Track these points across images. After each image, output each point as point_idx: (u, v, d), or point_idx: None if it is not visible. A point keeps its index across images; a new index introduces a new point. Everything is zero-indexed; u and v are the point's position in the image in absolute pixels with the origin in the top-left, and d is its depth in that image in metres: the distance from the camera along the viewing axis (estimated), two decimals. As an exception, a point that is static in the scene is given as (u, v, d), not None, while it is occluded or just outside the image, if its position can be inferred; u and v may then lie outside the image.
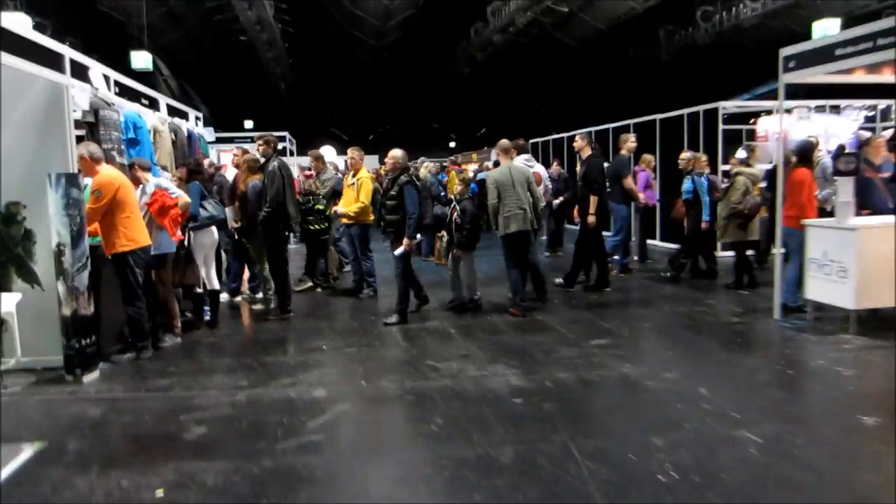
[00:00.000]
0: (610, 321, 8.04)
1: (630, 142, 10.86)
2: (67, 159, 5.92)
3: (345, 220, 9.34)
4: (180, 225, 7.03)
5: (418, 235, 7.76)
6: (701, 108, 12.53)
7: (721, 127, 12.01)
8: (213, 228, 7.67)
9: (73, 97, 6.32)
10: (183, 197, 7.01)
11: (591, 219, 9.39)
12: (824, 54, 7.04)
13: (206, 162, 9.66)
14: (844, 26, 23.51)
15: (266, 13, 27.24)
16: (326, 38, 35.43)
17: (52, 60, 6.07)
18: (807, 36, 29.57)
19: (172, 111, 9.57)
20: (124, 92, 8.05)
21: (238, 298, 9.23)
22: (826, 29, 21.23)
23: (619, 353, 6.58)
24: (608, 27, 29.99)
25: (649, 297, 9.35)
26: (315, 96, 38.93)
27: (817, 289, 7.32)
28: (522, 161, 9.12)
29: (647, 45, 31.75)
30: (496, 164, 10.13)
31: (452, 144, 41.36)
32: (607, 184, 10.14)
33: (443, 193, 13.79)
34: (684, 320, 7.92)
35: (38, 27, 26.10)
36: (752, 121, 13.87)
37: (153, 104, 8.86)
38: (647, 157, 11.78)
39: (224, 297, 8.91)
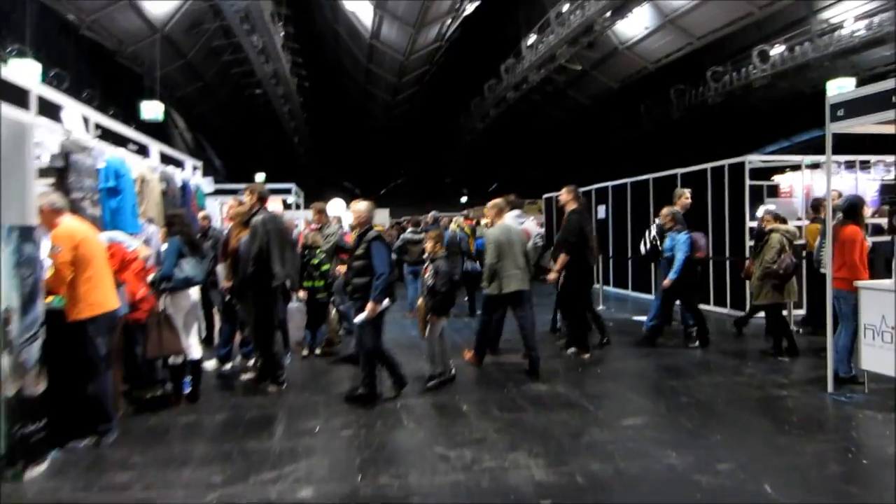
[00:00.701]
0: (642, 395, 7.02)
1: (685, 197, 9.71)
2: (24, 210, 5.00)
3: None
4: (150, 284, 6.10)
5: (386, 301, 6.43)
6: (726, 162, 11.57)
7: (748, 182, 11.01)
8: (193, 291, 6.68)
9: (42, 139, 5.43)
10: (143, 249, 6.13)
11: (552, 275, 8.61)
12: (878, 102, 6.09)
13: (200, 214, 8.76)
14: (859, 84, 22.95)
15: (283, 67, 26.85)
16: (342, 92, 35.16)
17: (17, 96, 5.22)
18: (815, 96, 29.21)
19: (166, 159, 8.74)
20: (109, 136, 7.20)
21: (228, 366, 8.06)
22: (842, 87, 20.55)
23: (659, 436, 5.53)
24: (620, 86, 29.53)
25: (680, 364, 8.26)
26: (329, 149, 38.51)
27: (875, 358, 6.29)
28: (513, 217, 8.78)
29: (658, 103, 31.23)
30: (416, 224, 10.31)
31: (464, 199, 40.66)
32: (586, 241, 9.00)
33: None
34: (726, 394, 6.84)
35: (56, 77, 25.95)
36: (771, 177, 12.94)
37: (142, 150, 8.03)
38: (669, 209, 10.74)
39: (212, 364, 7.89)
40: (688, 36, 24.86)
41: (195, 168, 10.26)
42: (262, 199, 7.09)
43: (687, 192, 9.95)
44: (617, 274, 15.83)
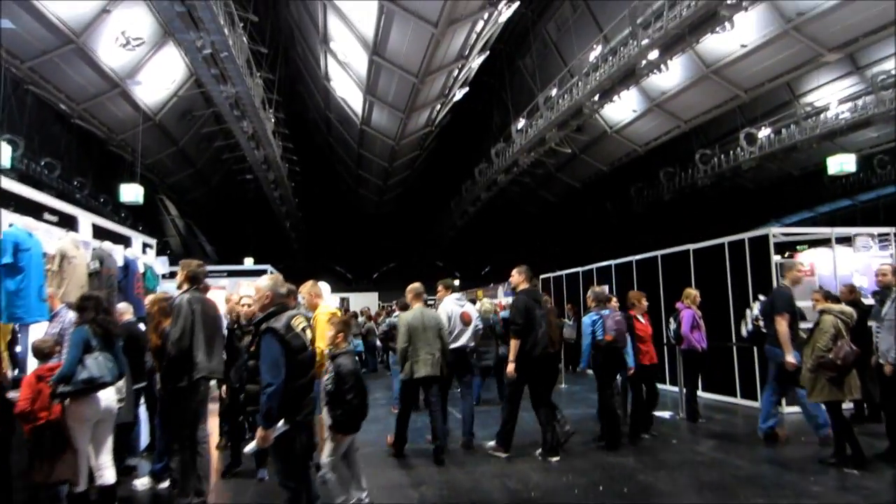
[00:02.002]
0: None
1: (796, 270, 7.97)
2: None
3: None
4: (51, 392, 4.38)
5: (281, 423, 4.32)
6: (746, 235, 10.02)
7: (774, 257, 9.39)
8: (105, 396, 4.94)
9: None
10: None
11: (510, 367, 7.35)
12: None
13: (148, 299, 7.04)
14: (859, 161, 21.97)
15: (273, 153, 25.69)
16: (334, 177, 34.09)
17: None
18: (805, 178, 28.35)
19: (103, 233, 7.12)
20: (20, 205, 5.58)
21: (165, 485, 6.16)
22: (843, 164, 19.53)
23: None
24: (610, 169, 28.53)
25: (724, 479, 6.44)
26: (320, 234, 37.12)
27: None
28: (454, 301, 8.22)
29: (649, 186, 30.21)
30: (404, 307, 8.95)
31: (457, 282, 39.06)
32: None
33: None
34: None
35: (47, 166, 24.70)
36: (787, 253, 11.44)
37: (68, 222, 6.41)
38: (692, 291, 9.13)
39: (143, 482, 6.04)
40: (675, 119, 24.10)
41: (147, 246, 8.63)
42: (193, 279, 5.44)
43: (799, 262, 8.19)
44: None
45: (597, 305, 8.24)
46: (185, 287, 5.41)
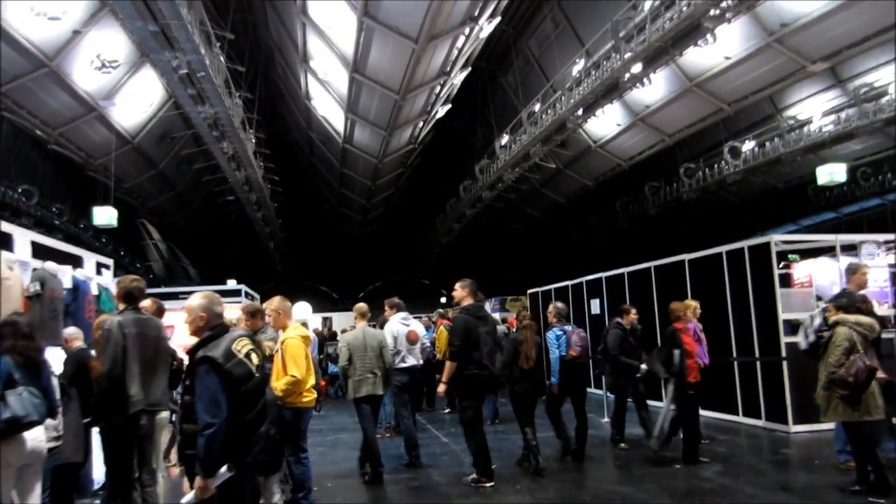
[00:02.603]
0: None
1: (861, 273, 7.26)
2: None
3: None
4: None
5: (223, 469, 3.58)
6: (746, 243, 9.43)
7: (776, 268, 8.78)
8: (28, 437, 4.20)
9: None
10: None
11: (441, 388, 7.28)
12: None
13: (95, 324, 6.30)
14: (850, 171, 21.58)
15: (255, 174, 25.00)
16: (317, 197, 33.42)
17: None
18: (789, 192, 28.02)
19: (47, 252, 6.39)
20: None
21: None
22: (832, 173, 19.12)
23: None
24: (595, 184, 28.06)
25: None
26: (305, 254, 36.35)
27: None
28: (399, 320, 7.99)
29: (634, 200, 29.77)
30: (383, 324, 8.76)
31: (443, 300, 38.30)
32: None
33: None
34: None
35: (25, 193, 23.83)
36: (781, 264, 10.86)
37: (2, 240, 5.65)
38: (691, 303, 8.47)
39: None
40: (659, 133, 23.76)
41: (103, 267, 7.89)
42: (127, 297, 4.74)
43: (865, 267, 7.48)
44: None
45: (559, 321, 8.06)
46: (122, 307, 4.70)
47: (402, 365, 7.74)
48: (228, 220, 31.28)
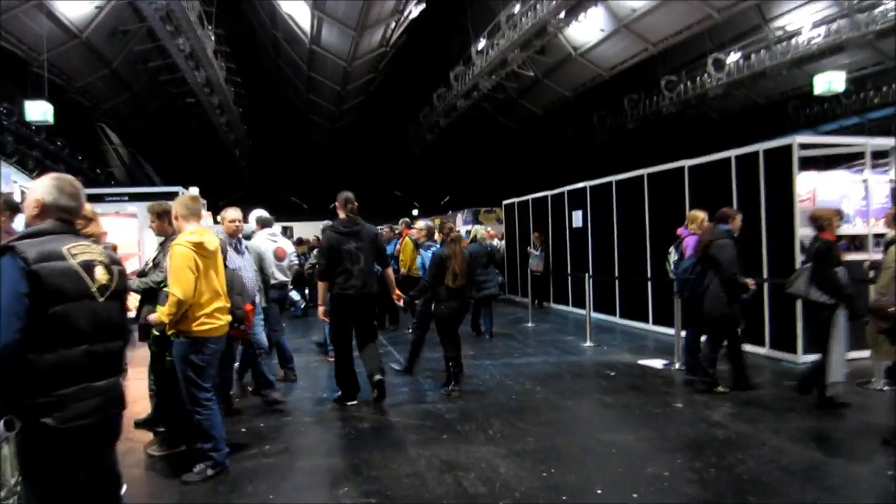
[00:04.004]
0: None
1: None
2: None
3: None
4: None
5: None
6: (762, 147, 7.84)
7: (797, 173, 7.25)
8: None
9: None
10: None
11: (320, 311, 6.46)
12: None
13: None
14: (848, 80, 20.01)
15: (216, 74, 22.68)
16: (284, 103, 31.02)
17: None
18: (769, 108, 26.55)
19: None
20: None
21: None
22: (831, 82, 17.57)
23: None
24: (573, 95, 26.17)
25: (759, 469, 4.52)
26: (272, 163, 34.21)
27: None
28: (266, 236, 7.19)
29: (612, 113, 28.01)
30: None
31: (416, 212, 36.72)
32: None
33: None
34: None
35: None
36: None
37: None
38: (698, 214, 6.99)
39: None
40: (643, 42, 21.87)
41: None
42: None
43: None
44: (601, 298, 11.34)
45: (428, 240, 7.77)
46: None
47: (272, 281, 7.00)
48: (191, 126, 28.86)
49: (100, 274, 2.52)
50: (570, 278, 12.82)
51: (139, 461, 4.86)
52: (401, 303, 6.73)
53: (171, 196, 11.59)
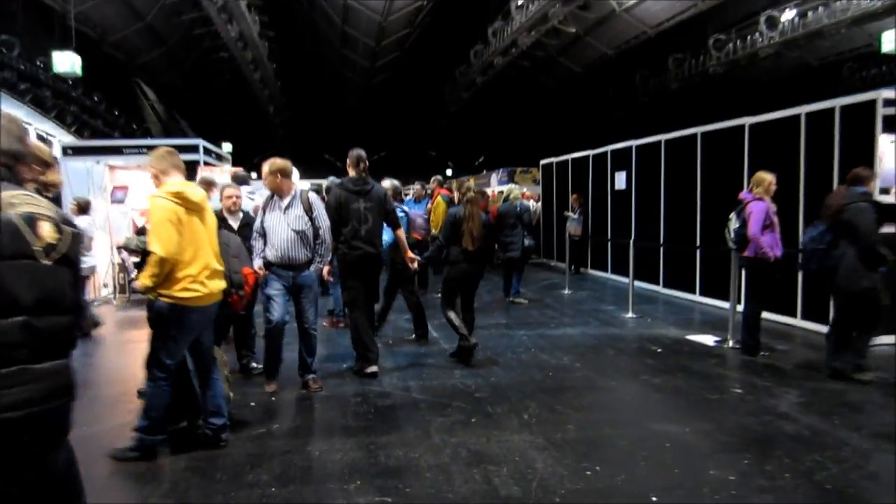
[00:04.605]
0: None
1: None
2: None
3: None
4: None
5: None
6: (837, 102, 6.84)
7: (880, 132, 6.29)
8: None
9: None
10: None
11: (325, 269, 5.56)
12: None
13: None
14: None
15: (249, 28, 21.97)
16: (318, 59, 30.14)
17: None
18: (822, 70, 24.91)
19: None
20: None
21: None
22: (900, 38, 16.15)
23: None
24: (615, 53, 24.82)
25: (835, 475, 3.81)
26: (307, 120, 33.51)
27: None
28: (245, 194, 6.83)
29: (655, 74, 26.58)
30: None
31: (449, 172, 35.84)
32: None
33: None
34: None
35: (4, 44, 21.01)
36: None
37: None
38: (765, 176, 6.10)
39: None
40: (693, -4, 20.30)
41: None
42: None
43: None
44: (644, 265, 9.95)
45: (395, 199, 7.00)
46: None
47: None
48: (225, 82, 28.30)
49: (46, 231, 1.89)
50: (609, 244, 12.00)
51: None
52: (414, 265, 6.16)
53: (193, 149, 11.07)
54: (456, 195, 7.27)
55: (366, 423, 4.57)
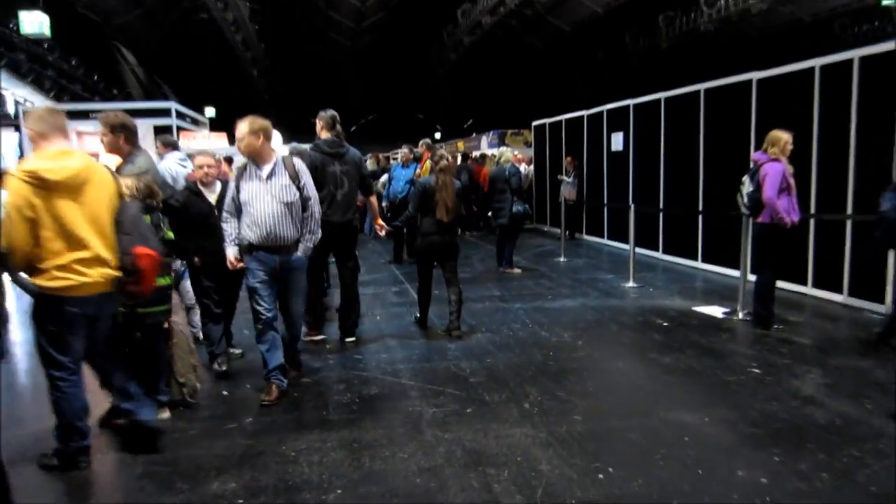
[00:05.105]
0: None
1: None
2: None
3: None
4: None
5: None
6: (856, 53, 6.20)
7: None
8: None
9: None
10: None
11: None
12: None
13: None
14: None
15: (228, -12, 20.89)
16: (301, 20, 28.95)
17: None
18: (815, 25, 24.15)
19: None
20: None
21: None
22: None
23: None
24: (605, 10, 23.90)
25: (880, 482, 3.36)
26: (291, 84, 32.41)
27: None
28: (177, 161, 5.94)
29: (645, 33, 25.70)
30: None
31: (438, 135, 34.94)
32: None
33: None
34: None
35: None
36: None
37: None
38: (781, 135, 5.53)
39: None
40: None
41: None
42: None
43: None
44: (642, 230, 8.98)
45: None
46: None
47: None
48: (207, 45, 27.14)
49: None
50: (606, 208, 11.43)
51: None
52: (383, 233, 5.86)
53: (165, 112, 10.33)
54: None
55: (349, 416, 4.05)
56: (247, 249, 4.28)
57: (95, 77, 28.58)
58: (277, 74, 32.31)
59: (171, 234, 4.12)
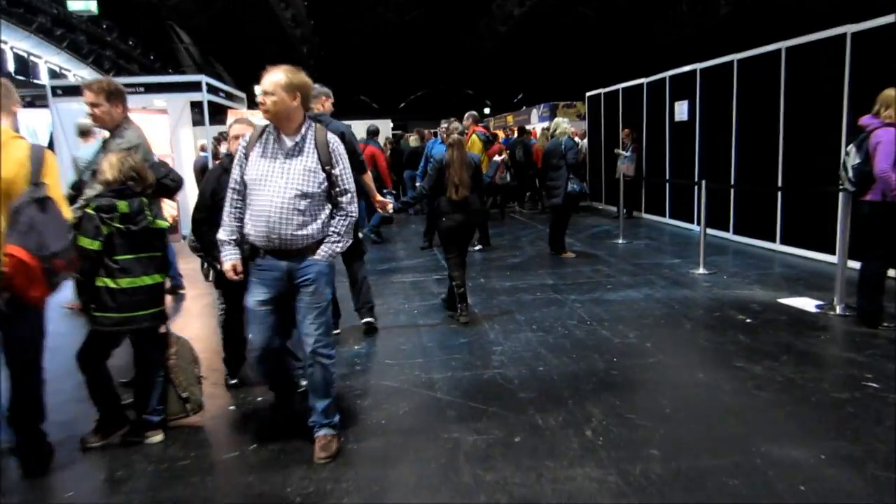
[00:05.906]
0: None
1: None
2: None
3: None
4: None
5: None
6: None
7: None
8: None
9: None
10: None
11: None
12: None
13: None
14: None
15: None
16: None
17: None
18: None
19: None
20: None
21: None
22: None
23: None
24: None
25: None
26: (341, 61, 31.62)
27: None
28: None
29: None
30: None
31: (487, 111, 33.72)
32: None
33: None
34: None
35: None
36: None
37: None
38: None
39: None
40: None
41: None
42: None
43: None
44: (713, 211, 7.85)
45: None
46: None
47: None
48: (256, 22, 26.58)
49: None
50: (668, 185, 10.30)
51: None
52: (389, 209, 4.98)
53: (195, 86, 9.65)
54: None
55: (372, 444, 3.25)
56: (249, 254, 3.11)
57: (152, 57, 28.49)
58: (326, 52, 31.56)
59: (162, 223, 3.37)
